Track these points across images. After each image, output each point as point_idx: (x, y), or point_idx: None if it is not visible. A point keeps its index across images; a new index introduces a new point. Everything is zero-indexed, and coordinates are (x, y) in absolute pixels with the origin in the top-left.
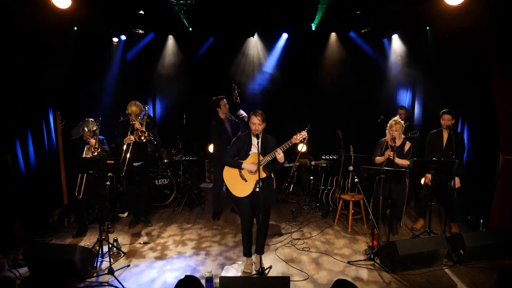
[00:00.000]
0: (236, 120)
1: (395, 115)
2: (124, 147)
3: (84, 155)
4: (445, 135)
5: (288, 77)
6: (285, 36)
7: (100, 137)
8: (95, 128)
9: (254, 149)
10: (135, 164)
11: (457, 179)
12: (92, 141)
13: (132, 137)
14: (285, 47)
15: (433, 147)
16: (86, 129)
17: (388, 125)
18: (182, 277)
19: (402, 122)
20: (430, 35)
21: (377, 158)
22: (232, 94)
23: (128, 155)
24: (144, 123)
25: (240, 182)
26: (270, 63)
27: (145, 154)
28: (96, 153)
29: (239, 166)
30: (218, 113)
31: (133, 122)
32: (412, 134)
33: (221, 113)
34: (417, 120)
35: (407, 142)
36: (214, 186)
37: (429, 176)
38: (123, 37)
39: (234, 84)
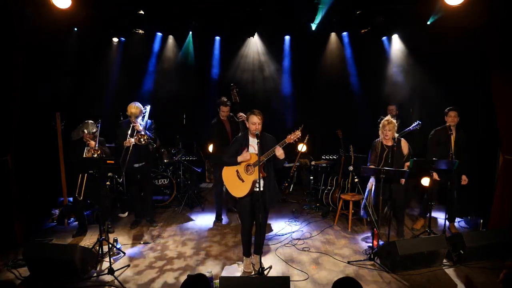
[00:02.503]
0: (237, 120)
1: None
2: (124, 148)
3: (84, 157)
4: (452, 133)
5: (288, 77)
6: (284, 36)
7: (100, 138)
8: (94, 130)
9: (252, 150)
10: (136, 165)
11: (464, 177)
12: (92, 143)
13: (132, 140)
14: (284, 47)
15: (436, 145)
16: (85, 131)
17: (381, 125)
18: (182, 277)
19: (394, 120)
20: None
21: (372, 166)
22: (231, 94)
23: (128, 157)
24: (144, 124)
25: (238, 182)
26: (269, 63)
27: (146, 155)
28: (96, 155)
29: (235, 162)
30: (219, 113)
31: (133, 124)
32: (414, 127)
33: (220, 114)
34: (416, 119)
35: (403, 140)
36: (215, 187)
37: (435, 175)
38: (121, 38)
39: (233, 84)
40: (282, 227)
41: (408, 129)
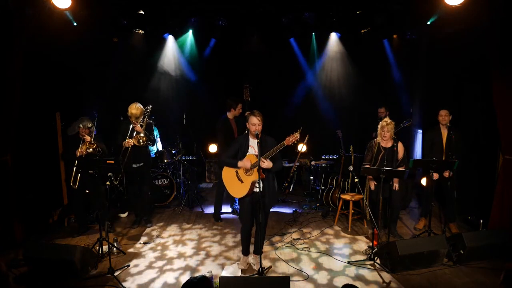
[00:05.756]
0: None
1: (394, 115)
2: (123, 149)
3: (79, 151)
4: (444, 132)
5: (288, 77)
6: (284, 36)
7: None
8: (90, 125)
9: (251, 150)
10: (135, 165)
11: (447, 172)
12: (88, 137)
13: (131, 141)
14: (285, 47)
15: (431, 145)
16: (81, 125)
17: (380, 126)
18: (182, 277)
19: (393, 123)
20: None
21: (367, 166)
22: (243, 92)
23: (126, 158)
24: (145, 125)
25: (237, 183)
26: (269, 63)
27: (145, 155)
28: (91, 149)
29: (235, 165)
30: (227, 113)
31: (134, 125)
32: (404, 124)
33: (230, 114)
34: (416, 119)
35: (400, 142)
36: (218, 186)
37: (436, 174)
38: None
39: (247, 82)
40: (282, 227)
41: (399, 127)
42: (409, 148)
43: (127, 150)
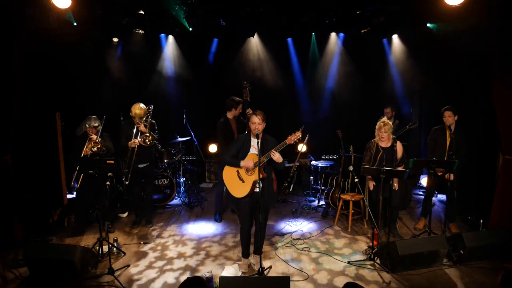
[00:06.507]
0: (244, 120)
1: (395, 115)
2: (130, 149)
3: (84, 150)
4: (448, 132)
5: (288, 77)
6: (284, 36)
7: (105, 133)
8: (96, 124)
9: (253, 150)
10: (140, 165)
11: (451, 175)
12: (94, 136)
13: (137, 141)
14: (285, 47)
15: (434, 144)
16: (87, 125)
17: (377, 126)
18: (182, 277)
19: (390, 122)
20: (436, 28)
21: (366, 166)
22: (243, 92)
23: (133, 158)
24: (149, 125)
25: (238, 182)
26: (269, 63)
27: (150, 156)
28: (96, 148)
29: (237, 165)
30: (227, 113)
31: (138, 125)
32: (410, 126)
33: (230, 114)
34: (415, 119)
35: (398, 142)
36: (218, 186)
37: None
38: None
39: (246, 82)
40: (282, 227)
41: (405, 128)
42: (412, 149)
43: (134, 150)
